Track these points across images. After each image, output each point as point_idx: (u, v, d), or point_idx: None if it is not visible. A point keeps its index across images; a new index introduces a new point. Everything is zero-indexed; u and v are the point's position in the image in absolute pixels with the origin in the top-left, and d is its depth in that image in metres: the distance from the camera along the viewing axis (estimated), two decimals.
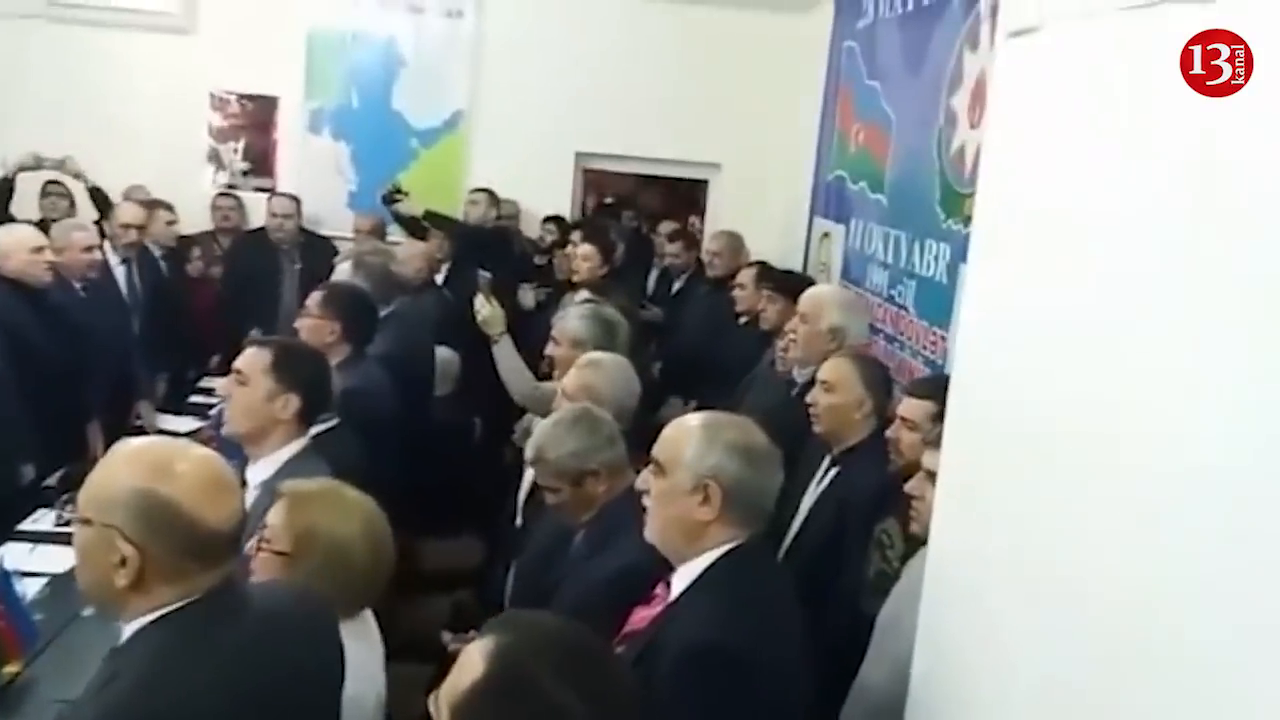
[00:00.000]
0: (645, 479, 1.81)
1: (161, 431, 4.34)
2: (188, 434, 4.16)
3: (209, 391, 5.00)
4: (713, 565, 1.72)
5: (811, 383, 2.83)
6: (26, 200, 5.21)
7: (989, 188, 1.78)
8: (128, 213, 4.82)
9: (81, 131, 5.46)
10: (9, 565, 2.77)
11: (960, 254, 3.38)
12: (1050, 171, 1.51)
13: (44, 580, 2.91)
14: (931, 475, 2.00)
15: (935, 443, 1.98)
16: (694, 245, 5.84)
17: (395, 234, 5.71)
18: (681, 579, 1.74)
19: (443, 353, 4.54)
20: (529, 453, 2.43)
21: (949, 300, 3.42)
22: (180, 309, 5.24)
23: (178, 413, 4.69)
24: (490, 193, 5.85)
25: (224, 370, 5.29)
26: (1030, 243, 1.55)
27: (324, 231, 5.99)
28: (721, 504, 1.72)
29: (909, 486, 2.13)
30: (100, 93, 5.95)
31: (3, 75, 5.84)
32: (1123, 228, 1.28)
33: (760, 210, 5.91)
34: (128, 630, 1.41)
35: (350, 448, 2.60)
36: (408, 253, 4.89)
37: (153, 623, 1.38)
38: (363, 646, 1.82)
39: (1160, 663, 1.13)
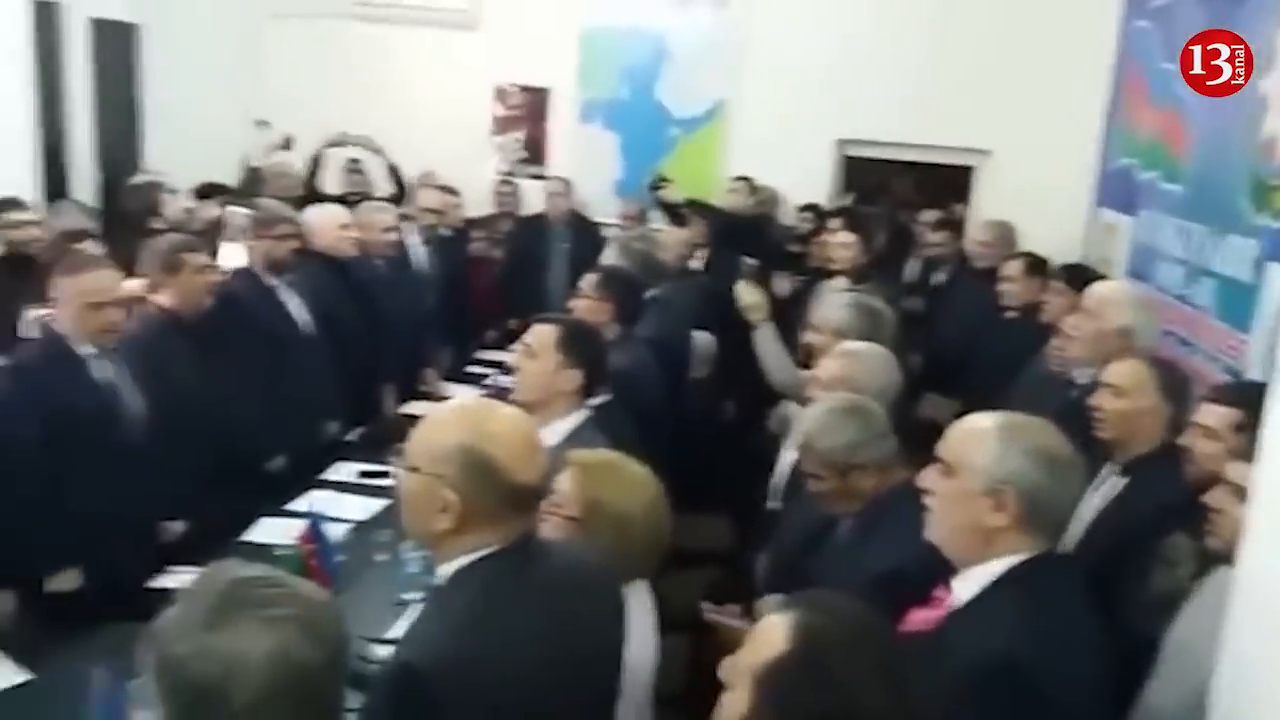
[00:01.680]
0: (930, 478, 1.76)
1: (444, 398, 4.71)
2: None
3: (485, 363, 5.39)
4: (1005, 574, 1.66)
5: (1095, 384, 2.67)
6: (330, 175, 5.80)
7: None
8: (431, 198, 5.27)
9: (380, 118, 5.98)
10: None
11: (1270, 250, 3.09)
12: None
13: (345, 526, 3.24)
14: (1237, 489, 1.86)
15: (1243, 454, 1.84)
16: (959, 235, 5.64)
17: (655, 220, 5.89)
18: (966, 584, 1.69)
19: (699, 337, 4.64)
20: (796, 439, 2.43)
21: (1253, 301, 3.13)
22: (463, 286, 5.64)
23: (458, 381, 5.06)
24: (749, 181, 5.91)
25: (499, 344, 5.72)
26: None
27: (593, 217, 6.28)
28: (1017, 512, 1.65)
29: (1209, 499, 1.98)
30: (396, 83, 6.50)
31: (316, 67, 6.48)
32: None
33: (1033, 200, 5.60)
34: (445, 570, 1.55)
35: (623, 424, 2.72)
36: (669, 239, 5.03)
37: (469, 565, 1.51)
38: (639, 614, 1.91)
39: None
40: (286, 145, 4.71)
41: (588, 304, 3.34)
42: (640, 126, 6.45)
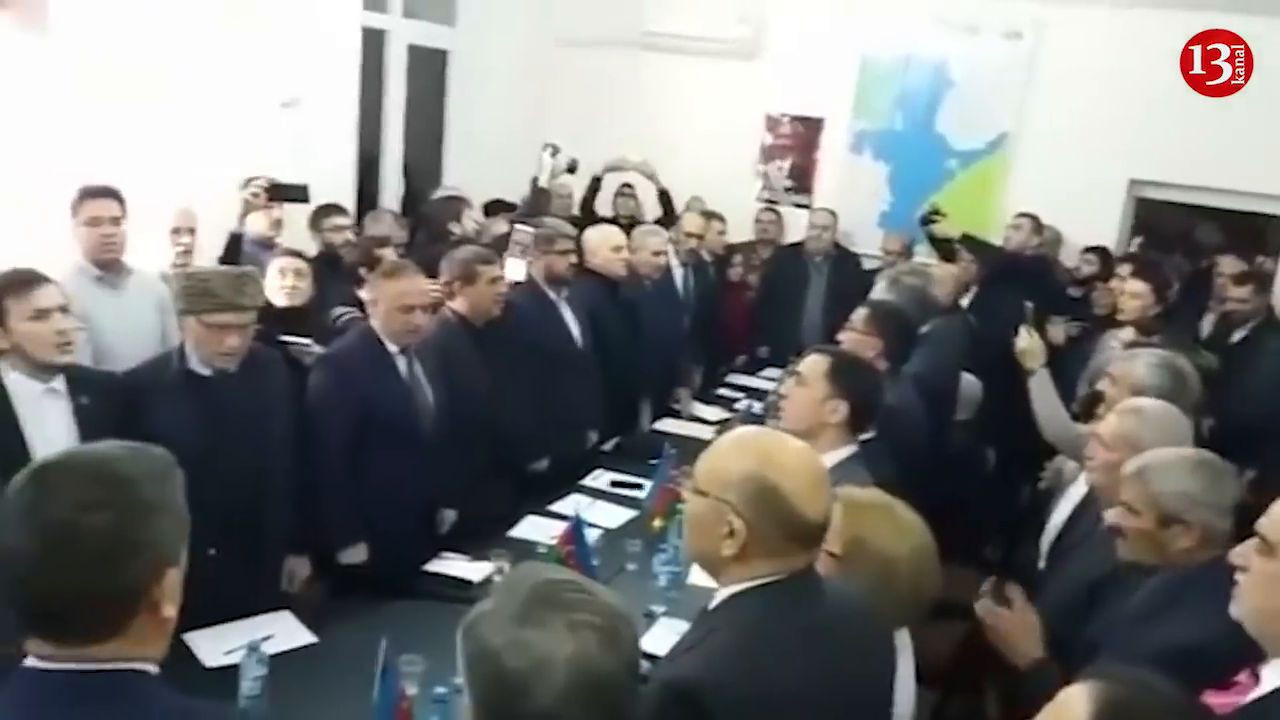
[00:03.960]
0: (1245, 554, 1.62)
1: (694, 417, 4.81)
2: (717, 423, 4.57)
3: (733, 386, 5.46)
4: None
5: None
6: (604, 198, 6.01)
7: None
8: (692, 223, 5.42)
9: (653, 143, 6.15)
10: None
11: None
12: None
13: (599, 532, 3.36)
14: None
15: None
16: (1265, 289, 5.11)
17: (920, 254, 5.73)
18: (1276, 672, 1.55)
19: (966, 379, 4.48)
20: (1130, 466, 2.24)
21: None
22: (717, 310, 5.74)
23: (706, 402, 5.14)
24: (1034, 218, 5.63)
25: (746, 369, 5.76)
26: None
27: (853, 249, 6.20)
28: None
29: None
30: (672, 111, 6.68)
31: (599, 94, 6.77)
32: None
33: None
34: (720, 594, 1.57)
35: (887, 463, 2.67)
36: (940, 274, 4.89)
37: (745, 591, 1.53)
38: (902, 663, 1.86)
39: None
40: (571, 169, 4.96)
41: (857, 338, 3.31)
42: (913, 157, 6.28)
